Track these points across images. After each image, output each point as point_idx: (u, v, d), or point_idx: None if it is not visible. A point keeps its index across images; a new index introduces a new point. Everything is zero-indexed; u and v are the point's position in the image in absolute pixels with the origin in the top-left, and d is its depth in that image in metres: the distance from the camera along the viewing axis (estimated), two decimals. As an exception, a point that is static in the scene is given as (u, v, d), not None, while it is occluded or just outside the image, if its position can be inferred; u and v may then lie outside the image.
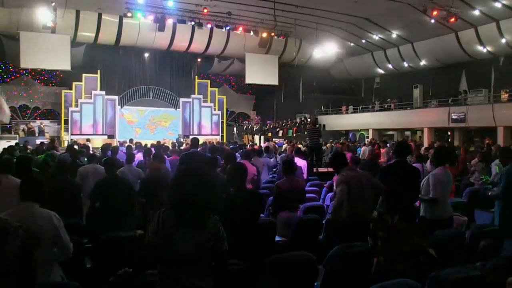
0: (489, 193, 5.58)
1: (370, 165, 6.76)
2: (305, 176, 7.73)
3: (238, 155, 8.53)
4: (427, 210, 4.54)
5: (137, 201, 5.12)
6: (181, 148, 11.91)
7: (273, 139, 19.86)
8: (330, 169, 8.25)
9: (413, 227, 3.18)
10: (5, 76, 21.37)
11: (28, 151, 11.10)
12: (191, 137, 14.76)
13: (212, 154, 6.89)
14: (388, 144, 13.18)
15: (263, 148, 10.75)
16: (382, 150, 12.21)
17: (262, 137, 22.01)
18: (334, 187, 4.75)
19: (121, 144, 13.99)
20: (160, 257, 2.22)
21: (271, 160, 9.51)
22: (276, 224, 4.96)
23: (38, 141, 14.34)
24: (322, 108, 25.78)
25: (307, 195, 5.90)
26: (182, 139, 18.98)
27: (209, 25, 18.61)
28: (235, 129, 24.76)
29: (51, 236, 2.83)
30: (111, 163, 5.27)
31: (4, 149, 9.08)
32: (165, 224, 2.20)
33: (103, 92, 20.76)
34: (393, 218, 2.99)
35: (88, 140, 17.24)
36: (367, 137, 21.96)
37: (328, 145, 16.66)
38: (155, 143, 12.71)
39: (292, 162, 5.79)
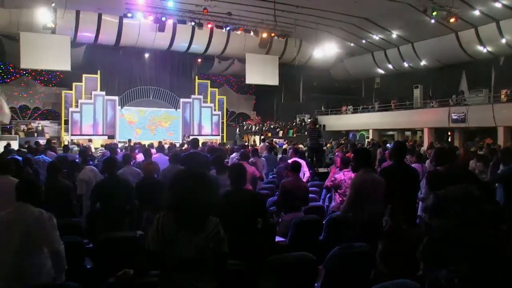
0: None
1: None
2: (307, 173, 7.70)
3: (235, 155, 8.55)
4: (423, 209, 4.58)
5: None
6: (182, 148, 11.89)
7: (273, 139, 19.80)
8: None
9: (411, 228, 3.16)
10: (5, 76, 21.36)
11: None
12: (191, 137, 14.77)
13: (211, 155, 6.89)
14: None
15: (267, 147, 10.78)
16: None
17: (262, 137, 21.97)
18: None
19: (115, 145, 13.63)
20: (161, 261, 2.20)
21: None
22: (279, 224, 4.98)
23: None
24: (322, 108, 25.74)
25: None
26: (187, 139, 18.77)
27: (209, 26, 18.61)
28: (237, 129, 24.75)
29: (39, 234, 2.89)
30: (111, 163, 5.27)
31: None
32: (164, 229, 2.18)
33: (103, 93, 20.74)
34: (387, 222, 2.95)
35: (90, 140, 17.20)
36: (367, 137, 21.95)
37: (328, 145, 16.66)
38: (156, 143, 12.64)
39: (297, 162, 5.86)
